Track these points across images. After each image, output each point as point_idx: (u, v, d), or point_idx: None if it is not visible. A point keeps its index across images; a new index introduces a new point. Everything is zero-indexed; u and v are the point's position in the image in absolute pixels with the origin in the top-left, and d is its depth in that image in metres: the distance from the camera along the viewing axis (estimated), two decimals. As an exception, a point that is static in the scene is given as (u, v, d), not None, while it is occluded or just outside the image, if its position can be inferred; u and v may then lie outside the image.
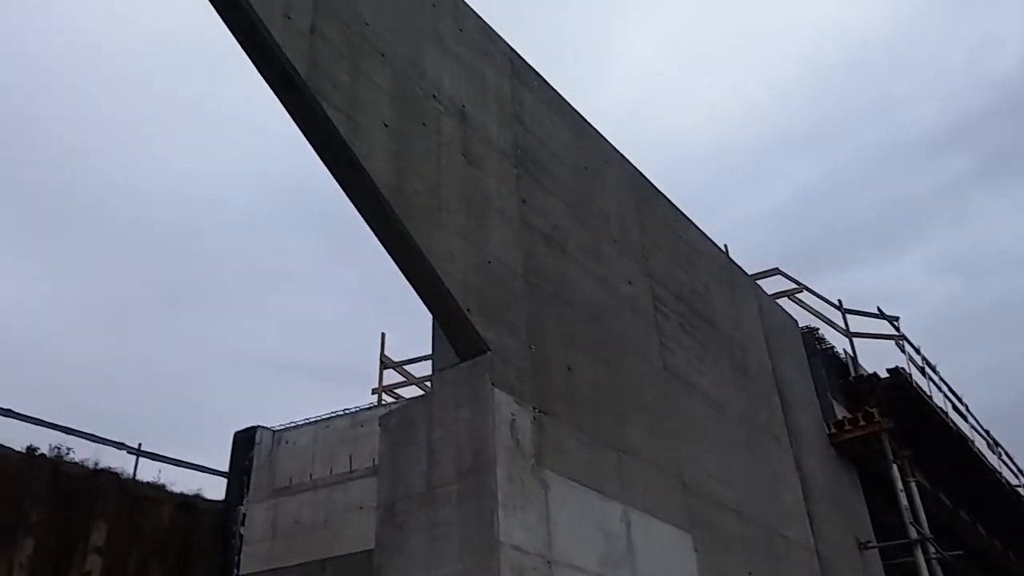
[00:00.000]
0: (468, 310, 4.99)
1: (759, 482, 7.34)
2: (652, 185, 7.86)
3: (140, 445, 11.71)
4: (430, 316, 5.43)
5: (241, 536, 11.15)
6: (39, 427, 10.78)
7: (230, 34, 4.33)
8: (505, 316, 5.26)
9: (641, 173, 7.73)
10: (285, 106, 4.56)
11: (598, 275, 6.38)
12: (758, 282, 10.07)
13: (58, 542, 10.18)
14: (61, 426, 10.91)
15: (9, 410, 10.63)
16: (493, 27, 6.33)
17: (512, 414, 5.07)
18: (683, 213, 8.25)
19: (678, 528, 5.84)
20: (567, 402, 5.42)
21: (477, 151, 5.60)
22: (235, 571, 11.01)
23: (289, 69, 4.36)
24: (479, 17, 6.19)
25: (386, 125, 4.86)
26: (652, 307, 6.89)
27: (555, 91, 6.85)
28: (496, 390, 5.03)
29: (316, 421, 12.09)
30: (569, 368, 5.60)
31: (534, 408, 5.19)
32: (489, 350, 5.03)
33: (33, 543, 9.91)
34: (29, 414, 10.76)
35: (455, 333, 5.09)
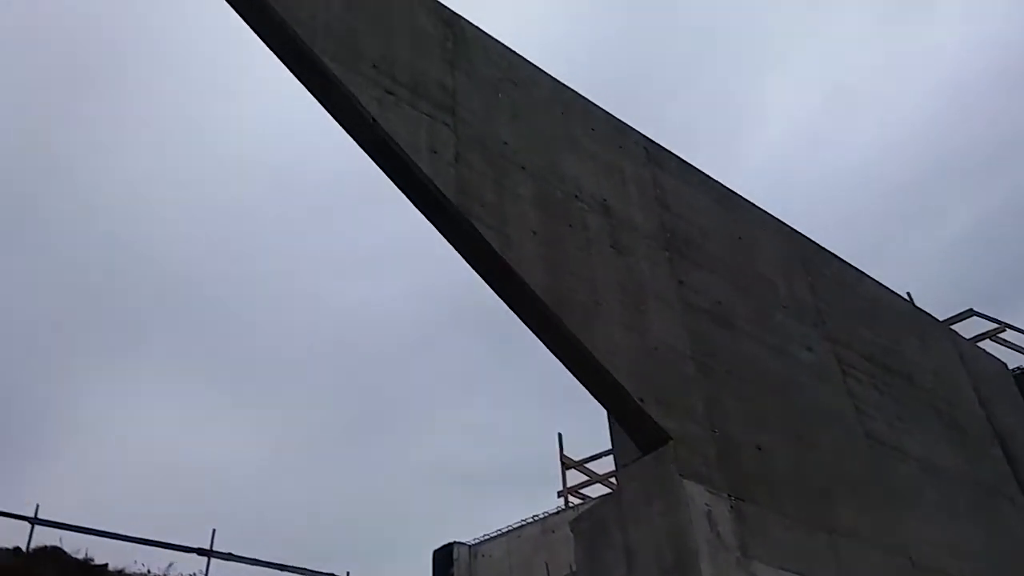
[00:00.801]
0: (641, 400, 4.90)
1: (996, 550, 6.52)
2: (815, 244, 7.53)
3: (348, 574, 12.15)
4: (604, 411, 5.39)
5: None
6: (256, 566, 11.45)
7: (380, 172, 4.68)
8: (682, 402, 5.11)
9: (800, 233, 7.45)
10: (439, 229, 4.82)
11: (773, 346, 6.11)
12: (952, 327, 9.26)
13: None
14: (276, 564, 11.55)
15: (230, 553, 11.39)
16: (623, 119, 6.45)
17: (707, 504, 4.84)
18: (854, 266, 7.82)
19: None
20: (763, 485, 5.12)
21: (625, 241, 5.62)
22: None
23: (440, 197, 4.63)
24: (609, 115, 6.35)
25: (534, 232, 5.00)
26: (839, 371, 6.48)
27: (694, 168, 6.82)
28: (685, 480, 4.83)
29: (508, 532, 12.10)
30: (759, 448, 5.31)
31: (729, 495, 4.94)
32: (671, 439, 4.88)
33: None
34: (245, 555, 11.48)
35: (632, 426, 4.99)
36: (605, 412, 5.51)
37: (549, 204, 5.26)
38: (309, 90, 4.59)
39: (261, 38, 4.50)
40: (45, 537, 10.09)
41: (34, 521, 10.22)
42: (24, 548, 9.91)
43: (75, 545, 10.16)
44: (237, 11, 4.43)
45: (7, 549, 9.82)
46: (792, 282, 6.87)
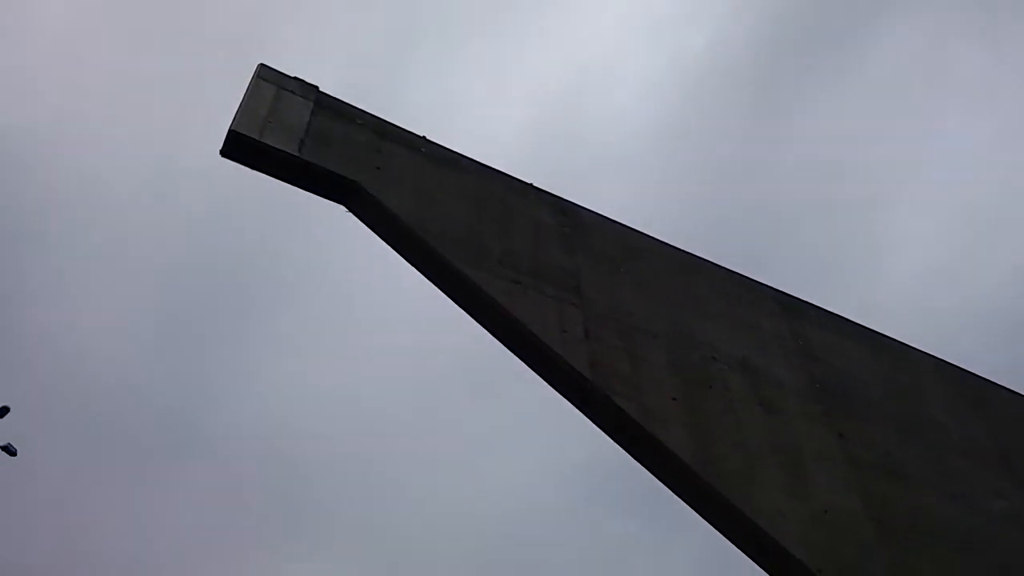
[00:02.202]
0: (820, 571, 4.51)
1: None
2: (982, 379, 6.96)
3: None
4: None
5: None
6: None
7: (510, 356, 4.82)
8: (863, 567, 4.67)
9: (964, 370, 6.93)
10: (577, 407, 4.85)
11: (957, 496, 5.56)
12: None
13: None
14: None
15: None
16: (750, 275, 6.43)
17: None
18: (1029, 398, 7.13)
19: None
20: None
21: (772, 398, 5.43)
22: None
23: (575, 376, 4.71)
24: (733, 272, 6.35)
25: (674, 399, 4.93)
26: (1039, 519, 5.77)
27: (835, 314, 6.61)
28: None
29: None
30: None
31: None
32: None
33: None
34: None
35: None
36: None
37: (686, 368, 5.21)
38: (442, 290, 4.90)
39: (397, 250, 4.91)
40: None
41: None
42: None
43: None
44: (373, 230, 4.88)
45: None
46: (966, 424, 6.33)
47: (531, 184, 5.73)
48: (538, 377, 4.91)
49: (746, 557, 4.68)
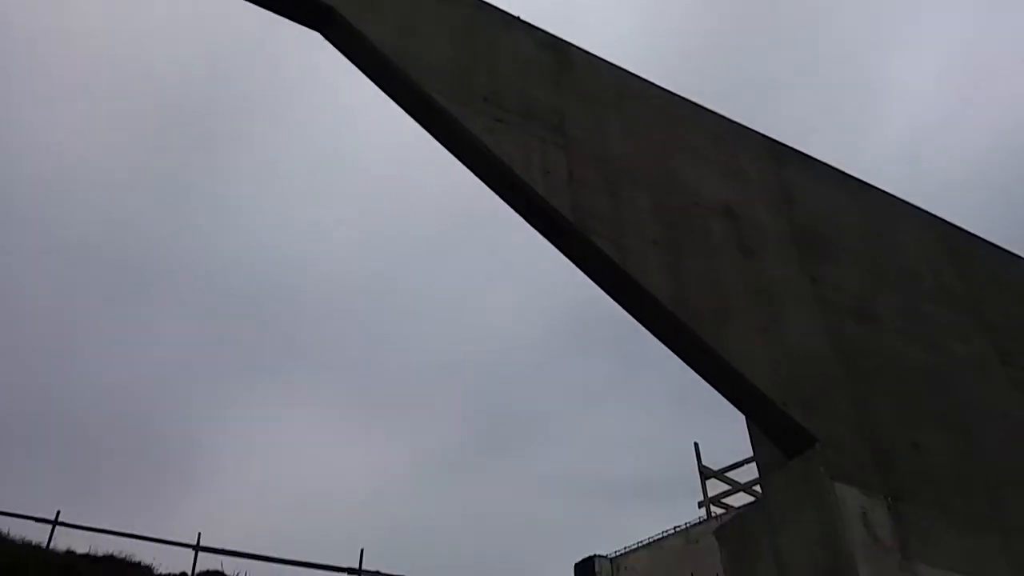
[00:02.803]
0: (784, 404, 4.76)
1: None
2: (963, 231, 7.07)
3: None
4: (742, 418, 5.26)
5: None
6: (408, 584, 11.82)
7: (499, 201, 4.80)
8: (827, 403, 4.93)
9: (945, 221, 7.01)
10: (559, 248, 4.89)
11: (923, 340, 5.79)
12: None
13: None
14: (426, 582, 11.87)
15: (378, 572, 11.83)
16: (742, 121, 6.32)
17: (861, 507, 4.63)
18: (1006, 250, 7.28)
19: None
20: (923, 484, 4.85)
21: (752, 243, 5.50)
22: None
23: (556, 217, 4.71)
24: (723, 118, 6.23)
25: (655, 242, 4.98)
26: (998, 362, 6.05)
27: (821, 162, 6.58)
28: (837, 483, 4.65)
29: (650, 543, 11.96)
30: (915, 445, 5.04)
31: (886, 497, 4.71)
32: (818, 442, 4.71)
33: None
34: (395, 573, 11.88)
35: (776, 431, 4.86)
36: (744, 420, 5.38)
37: (668, 213, 5.23)
38: (424, 126, 4.79)
39: (377, 83, 4.75)
40: (207, 562, 10.85)
41: (197, 548, 11.01)
42: (189, 573, 10.69)
43: (234, 568, 10.85)
44: (352, 60, 4.69)
45: (175, 574, 10.61)
46: (940, 272, 6.49)
47: (519, 17, 5.48)
48: (521, 219, 4.92)
49: (713, 391, 4.92)
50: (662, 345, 4.89)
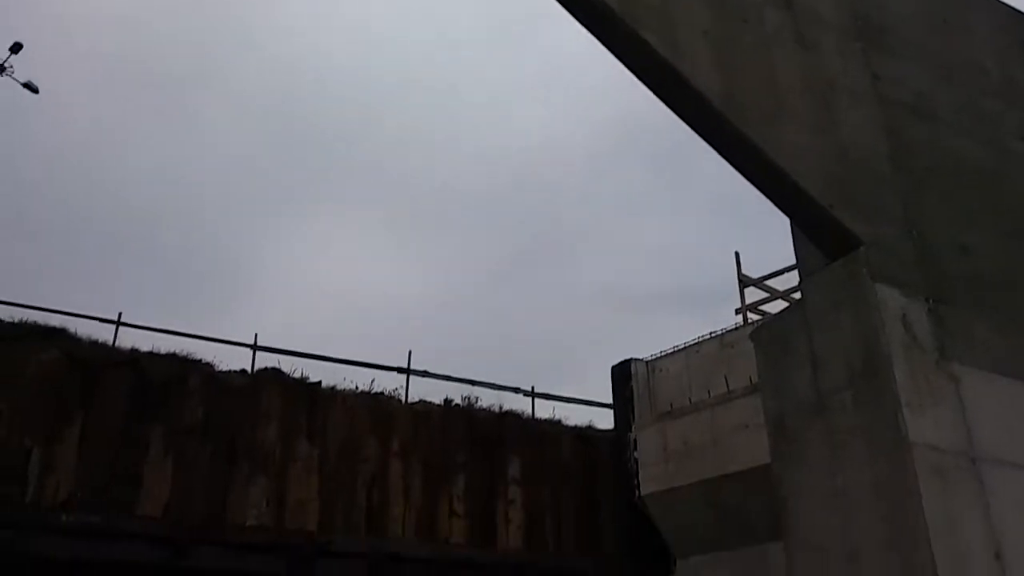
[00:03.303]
0: (831, 206, 4.64)
1: None
2: (1036, 18, 6.52)
3: (534, 388, 12.98)
4: (787, 224, 5.17)
5: (636, 460, 11.84)
6: (449, 382, 12.50)
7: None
8: (875, 203, 4.80)
9: (1017, 11, 6.46)
10: (604, 43, 4.62)
11: (982, 138, 5.52)
12: None
13: (483, 477, 11.76)
14: (467, 379, 12.53)
15: (425, 371, 12.47)
16: None
17: (902, 308, 4.63)
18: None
19: None
20: (968, 286, 4.81)
21: (811, 34, 5.14)
22: (637, 492, 11.74)
23: (601, 8, 4.40)
24: None
25: (705, 33, 4.67)
26: (1061, 161, 5.78)
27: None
28: (878, 285, 4.62)
29: (686, 348, 12.31)
30: (964, 248, 4.95)
31: (928, 299, 4.69)
32: (862, 243, 4.64)
33: (464, 479, 11.59)
34: (441, 372, 12.52)
35: (819, 233, 4.78)
36: (789, 227, 5.29)
37: (721, 1, 4.86)
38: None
39: None
40: (264, 361, 11.50)
41: (255, 348, 11.63)
42: (249, 370, 11.37)
43: (290, 367, 11.50)
44: None
45: (235, 371, 11.30)
46: (1005, 65, 6.06)
47: None
48: (567, 15, 4.63)
49: (759, 197, 4.81)
50: (705, 156, 4.73)
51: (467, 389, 12.50)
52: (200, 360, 11.20)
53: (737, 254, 13.17)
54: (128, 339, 11.09)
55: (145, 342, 11.14)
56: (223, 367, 11.27)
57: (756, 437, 8.22)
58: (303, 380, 11.48)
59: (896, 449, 4.29)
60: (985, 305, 4.82)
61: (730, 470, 10.33)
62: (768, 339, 5.48)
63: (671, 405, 11.88)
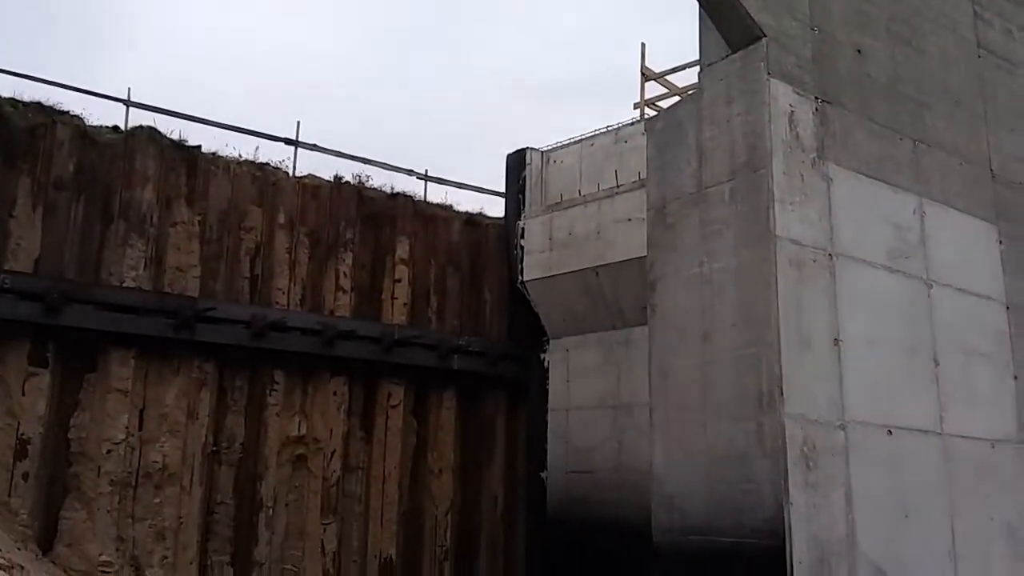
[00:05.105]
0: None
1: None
2: None
3: (427, 171, 12.80)
4: (695, 18, 5.01)
5: (522, 248, 12.15)
6: (340, 158, 12.12)
7: None
8: (783, -2, 4.70)
9: None
10: None
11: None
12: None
13: (371, 255, 11.81)
14: (359, 157, 12.19)
15: (315, 144, 12.00)
16: None
17: (791, 105, 4.69)
18: None
19: (982, 220, 5.30)
20: (856, 89, 4.90)
21: None
22: (520, 277, 12.16)
23: None
24: None
25: None
26: (966, -25, 5.77)
27: None
28: (773, 80, 4.64)
29: (581, 140, 12.29)
30: (859, 51, 4.98)
31: (816, 98, 4.76)
32: (764, 36, 4.59)
33: (351, 256, 11.60)
34: (331, 147, 12.08)
35: (725, 19, 4.68)
36: (697, 20, 5.12)
37: None
38: None
39: None
40: (140, 119, 10.68)
41: (128, 103, 10.77)
42: (122, 127, 10.59)
43: (168, 127, 10.76)
44: None
45: (106, 126, 10.50)
46: None
47: None
48: None
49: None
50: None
51: (358, 167, 12.19)
52: (68, 112, 10.30)
53: (643, 45, 12.90)
54: (-11, 85, 9.98)
55: (4, 87, 10.09)
56: (93, 122, 10.43)
57: (637, 230, 8.51)
58: (182, 143, 10.83)
59: (761, 241, 4.52)
60: (867, 108, 4.95)
61: (608, 260, 10.78)
62: (660, 128, 5.51)
63: (561, 196, 12.04)
